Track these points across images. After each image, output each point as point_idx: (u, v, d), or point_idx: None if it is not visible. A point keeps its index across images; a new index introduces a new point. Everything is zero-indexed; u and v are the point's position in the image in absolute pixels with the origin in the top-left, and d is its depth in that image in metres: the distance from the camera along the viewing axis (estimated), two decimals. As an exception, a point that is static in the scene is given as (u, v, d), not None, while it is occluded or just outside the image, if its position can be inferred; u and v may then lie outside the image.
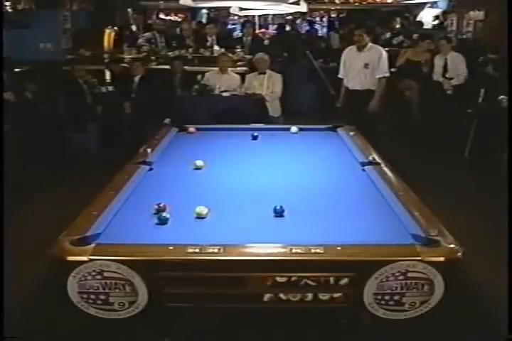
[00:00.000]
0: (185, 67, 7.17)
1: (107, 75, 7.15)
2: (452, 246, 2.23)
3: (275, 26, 14.44)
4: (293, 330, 2.80)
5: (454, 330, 2.94)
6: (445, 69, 7.08)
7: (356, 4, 15.56)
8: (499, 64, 6.99)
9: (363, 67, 5.96)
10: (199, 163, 3.39)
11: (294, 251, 2.17)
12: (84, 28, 9.39)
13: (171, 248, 2.18)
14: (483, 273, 3.38)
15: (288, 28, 12.31)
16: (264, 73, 6.39)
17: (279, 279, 2.16)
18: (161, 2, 13.90)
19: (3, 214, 3.00)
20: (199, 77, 6.79)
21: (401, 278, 2.14)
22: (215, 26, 10.03)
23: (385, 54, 6.01)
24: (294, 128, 4.45)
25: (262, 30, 14.16)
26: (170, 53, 8.62)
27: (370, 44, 6.04)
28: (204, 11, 15.04)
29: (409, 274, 2.13)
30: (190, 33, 9.29)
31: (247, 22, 13.08)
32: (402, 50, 8.34)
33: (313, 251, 2.16)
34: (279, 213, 2.60)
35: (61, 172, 5.52)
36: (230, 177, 3.24)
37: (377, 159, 3.48)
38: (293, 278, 2.16)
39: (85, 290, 2.15)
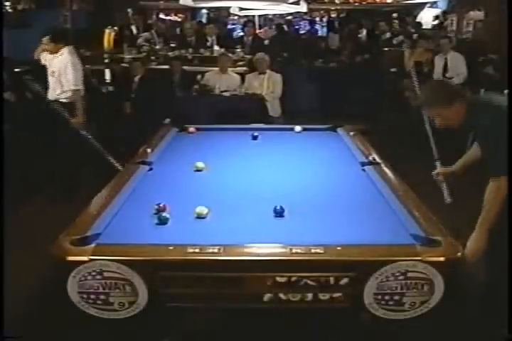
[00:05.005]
0: (186, 67, 7.18)
1: (107, 75, 7.15)
2: (452, 246, 2.24)
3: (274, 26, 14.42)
4: (293, 330, 2.80)
5: (454, 330, 2.94)
6: (445, 69, 7.09)
7: (356, 4, 15.57)
8: (499, 64, 7.00)
9: (50, 74, 5.03)
10: (200, 164, 3.38)
11: (294, 251, 2.17)
12: (84, 28, 9.39)
13: (171, 248, 2.18)
14: (484, 273, 3.37)
15: (286, 28, 12.26)
16: (264, 73, 6.39)
17: (279, 279, 2.16)
18: (161, 2, 13.91)
19: (3, 214, 3.00)
20: (199, 77, 6.80)
21: (401, 278, 2.14)
22: (215, 26, 10.05)
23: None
24: (297, 128, 4.47)
25: (262, 30, 14.14)
26: (170, 53, 8.63)
27: None
28: (204, 11, 15.05)
29: (409, 274, 2.14)
30: (192, 33, 9.31)
31: (248, 22, 13.07)
32: (406, 51, 8.35)
33: (313, 251, 2.16)
34: (279, 213, 2.60)
35: (61, 172, 5.52)
36: (229, 177, 3.24)
37: (377, 159, 3.48)
38: (293, 278, 2.16)
39: (85, 290, 2.15)
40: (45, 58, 5.06)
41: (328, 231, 2.44)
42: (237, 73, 6.90)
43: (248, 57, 8.02)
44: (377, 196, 2.90)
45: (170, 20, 14.99)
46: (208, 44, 8.98)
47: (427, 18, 13.10)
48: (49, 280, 3.00)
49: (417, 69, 7.65)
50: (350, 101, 8.20)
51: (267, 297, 2.20)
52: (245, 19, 13.77)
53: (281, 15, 14.82)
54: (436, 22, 12.53)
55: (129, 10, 11.53)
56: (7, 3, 8.00)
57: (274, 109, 6.39)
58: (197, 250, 2.16)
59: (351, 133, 4.21)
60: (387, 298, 2.18)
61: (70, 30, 8.79)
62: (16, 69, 6.70)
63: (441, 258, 2.15)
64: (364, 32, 11.41)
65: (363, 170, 3.35)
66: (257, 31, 10.64)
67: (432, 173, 3.33)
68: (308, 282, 2.16)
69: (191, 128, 4.46)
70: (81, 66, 5.07)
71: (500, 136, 2.51)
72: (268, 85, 6.33)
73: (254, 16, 14.59)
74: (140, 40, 9.46)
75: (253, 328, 2.80)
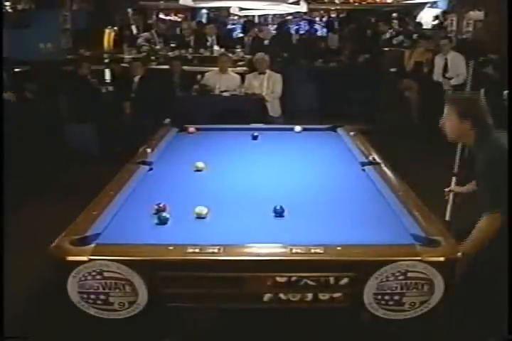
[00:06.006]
0: (186, 67, 7.18)
1: (107, 75, 7.15)
2: (452, 246, 2.24)
3: (274, 26, 14.41)
4: (293, 330, 2.80)
5: (454, 330, 2.94)
6: (445, 69, 7.09)
7: (356, 4, 15.57)
8: (499, 64, 7.00)
9: None
10: (200, 164, 3.38)
11: (294, 251, 2.17)
12: (84, 28, 9.39)
13: (170, 248, 2.18)
14: (483, 273, 3.37)
15: (280, 30, 12.13)
16: (264, 73, 6.39)
17: (279, 279, 2.16)
18: (161, 2, 13.91)
19: (3, 214, 3.00)
20: (199, 77, 6.81)
21: (401, 278, 2.14)
22: (215, 26, 10.05)
23: None
24: (297, 128, 4.47)
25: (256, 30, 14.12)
26: (170, 53, 8.64)
27: None
28: (204, 11, 15.05)
29: (409, 274, 2.14)
30: (190, 33, 9.31)
31: (249, 22, 13.05)
32: (406, 51, 8.35)
33: (313, 251, 2.16)
34: (279, 213, 2.60)
35: (61, 172, 5.53)
36: (229, 177, 3.24)
37: (377, 159, 3.48)
38: (293, 278, 2.16)
39: (85, 290, 2.15)
40: None
41: (328, 231, 2.44)
42: (237, 73, 6.90)
43: (248, 57, 8.03)
44: (377, 196, 2.90)
45: (170, 20, 14.98)
46: (208, 44, 8.98)
47: (426, 18, 13.10)
48: (49, 280, 3.00)
49: (417, 69, 7.71)
50: (350, 101, 8.20)
51: (267, 297, 2.20)
52: (245, 19, 13.79)
53: (282, 15, 14.83)
54: (436, 22, 12.52)
55: (129, 10, 11.54)
56: (7, 3, 7.99)
57: (274, 109, 6.39)
58: (197, 250, 2.16)
59: (351, 133, 4.21)
60: (387, 298, 2.18)
61: (70, 30, 8.79)
62: (16, 69, 6.72)
63: (441, 258, 2.14)
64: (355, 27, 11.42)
65: (363, 170, 3.35)
66: (255, 29, 10.61)
67: (445, 189, 3.27)
68: (308, 282, 2.16)
69: (191, 128, 4.46)
70: None
71: (499, 172, 2.52)
72: (268, 85, 6.34)
73: (254, 16, 14.60)
74: (140, 40, 9.46)
75: (253, 328, 2.80)
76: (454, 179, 3.33)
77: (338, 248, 2.19)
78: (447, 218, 3.31)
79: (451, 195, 3.24)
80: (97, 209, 2.59)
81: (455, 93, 2.89)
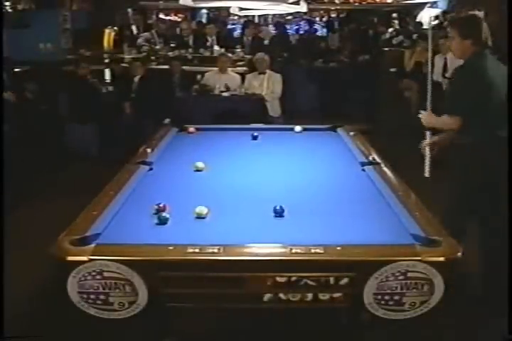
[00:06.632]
0: (185, 67, 7.19)
1: (107, 75, 7.16)
2: (452, 246, 2.24)
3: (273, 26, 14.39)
4: (293, 330, 2.80)
5: (454, 330, 2.94)
6: (445, 69, 7.09)
7: (356, 4, 15.59)
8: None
9: None
10: (200, 164, 3.38)
11: (294, 251, 2.16)
12: (84, 28, 9.40)
13: (171, 248, 2.18)
14: (483, 273, 3.37)
15: (280, 29, 12.06)
16: (264, 73, 6.40)
17: (279, 279, 2.16)
18: (161, 2, 13.91)
19: (3, 215, 3.00)
20: (199, 77, 6.81)
21: (401, 278, 2.14)
22: (215, 26, 10.06)
23: None
24: (297, 128, 4.47)
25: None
26: (170, 53, 8.65)
27: None
28: (204, 11, 15.06)
29: (409, 274, 2.13)
30: (189, 33, 9.32)
31: (249, 22, 13.05)
32: (406, 51, 8.35)
33: (313, 251, 2.16)
34: (279, 213, 2.60)
35: (61, 172, 5.53)
36: (229, 177, 3.24)
37: (377, 159, 3.48)
38: (293, 278, 2.16)
39: (85, 290, 2.15)
40: None
41: (328, 231, 2.43)
42: (237, 73, 6.90)
43: (248, 57, 8.03)
44: (377, 196, 2.89)
45: (170, 20, 14.99)
46: (208, 44, 8.99)
47: (427, 18, 13.10)
48: (49, 280, 3.00)
49: (417, 69, 7.71)
50: (350, 101, 8.20)
51: (267, 297, 2.20)
52: (245, 19, 13.79)
53: (281, 15, 14.83)
54: (436, 22, 12.52)
55: (129, 10, 11.55)
56: (7, 3, 8.00)
57: (274, 109, 6.39)
58: (197, 250, 2.16)
59: (351, 133, 4.20)
60: (387, 298, 2.17)
61: (70, 30, 8.81)
62: (16, 69, 6.72)
63: (441, 258, 2.14)
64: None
65: (363, 170, 3.35)
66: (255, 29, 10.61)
67: (421, 145, 3.33)
68: (308, 282, 2.16)
69: (191, 128, 4.46)
70: None
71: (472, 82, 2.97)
72: (268, 85, 6.35)
73: (254, 16, 14.60)
74: (140, 40, 9.48)
75: (253, 328, 2.80)
76: (428, 133, 3.34)
77: (338, 248, 2.19)
78: (427, 174, 3.33)
79: (427, 149, 3.28)
80: (97, 209, 2.59)
81: (457, 14, 3.20)
